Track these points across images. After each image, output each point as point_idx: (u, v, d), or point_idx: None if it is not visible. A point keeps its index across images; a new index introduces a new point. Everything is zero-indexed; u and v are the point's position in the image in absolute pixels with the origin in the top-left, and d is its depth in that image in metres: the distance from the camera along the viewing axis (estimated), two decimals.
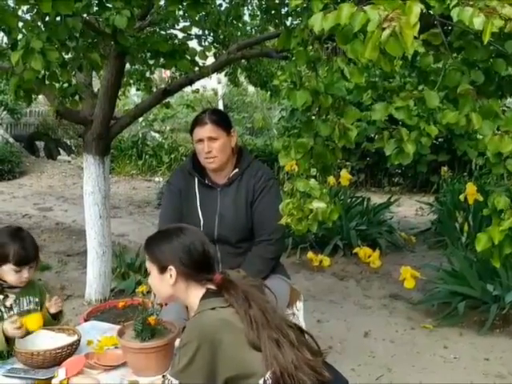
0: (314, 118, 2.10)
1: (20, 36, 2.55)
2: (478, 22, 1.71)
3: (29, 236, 2.40)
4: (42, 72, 2.72)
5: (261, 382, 1.67)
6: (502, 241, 2.16)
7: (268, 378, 1.67)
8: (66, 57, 2.80)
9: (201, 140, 2.65)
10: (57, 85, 2.85)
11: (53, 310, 2.37)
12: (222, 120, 2.71)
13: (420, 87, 2.40)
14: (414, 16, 1.60)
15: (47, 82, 2.64)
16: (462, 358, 3.50)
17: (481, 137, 2.19)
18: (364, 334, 3.86)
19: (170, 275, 1.86)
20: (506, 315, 3.87)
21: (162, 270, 1.88)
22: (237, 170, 2.71)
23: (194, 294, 1.87)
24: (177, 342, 2.00)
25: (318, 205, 1.97)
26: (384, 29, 1.58)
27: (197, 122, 2.69)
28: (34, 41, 2.26)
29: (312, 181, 2.06)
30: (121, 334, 2.10)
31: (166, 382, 1.74)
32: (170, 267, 1.86)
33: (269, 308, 1.79)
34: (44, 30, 2.39)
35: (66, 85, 2.81)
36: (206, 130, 2.63)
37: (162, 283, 1.90)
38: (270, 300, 1.85)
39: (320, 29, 1.68)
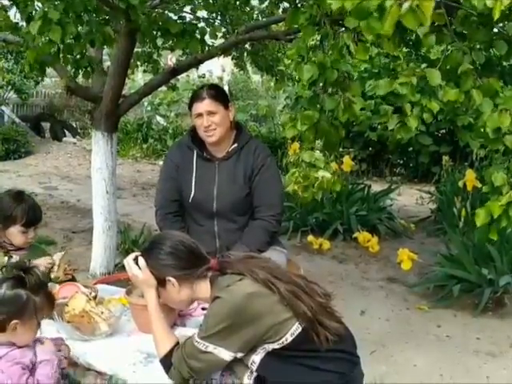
0: (319, 92, 2.19)
1: (36, 9, 2.63)
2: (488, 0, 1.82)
3: (31, 198, 2.52)
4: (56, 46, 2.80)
5: (290, 332, 1.77)
6: (499, 215, 2.28)
7: (298, 327, 1.77)
8: (80, 30, 2.88)
9: (200, 114, 2.69)
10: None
11: (62, 279, 2.47)
12: (220, 94, 2.76)
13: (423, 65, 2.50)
14: None
15: (61, 55, 2.73)
16: (455, 337, 3.60)
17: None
18: (360, 312, 3.95)
19: (173, 284, 1.92)
20: (499, 298, 3.96)
21: (162, 284, 1.94)
22: (235, 144, 2.76)
23: (202, 288, 1.92)
24: None
25: (323, 174, 2.06)
26: (401, 4, 1.68)
27: (195, 97, 2.73)
28: (51, 12, 2.34)
29: (317, 152, 2.16)
30: (128, 293, 2.22)
31: (196, 344, 1.79)
32: (168, 278, 1.91)
33: (272, 267, 1.88)
34: (60, 2, 2.46)
35: (79, 56, 2.89)
36: (205, 105, 2.68)
37: (171, 295, 1.95)
38: (268, 260, 1.94)
39: (339, 6, 1.77)
